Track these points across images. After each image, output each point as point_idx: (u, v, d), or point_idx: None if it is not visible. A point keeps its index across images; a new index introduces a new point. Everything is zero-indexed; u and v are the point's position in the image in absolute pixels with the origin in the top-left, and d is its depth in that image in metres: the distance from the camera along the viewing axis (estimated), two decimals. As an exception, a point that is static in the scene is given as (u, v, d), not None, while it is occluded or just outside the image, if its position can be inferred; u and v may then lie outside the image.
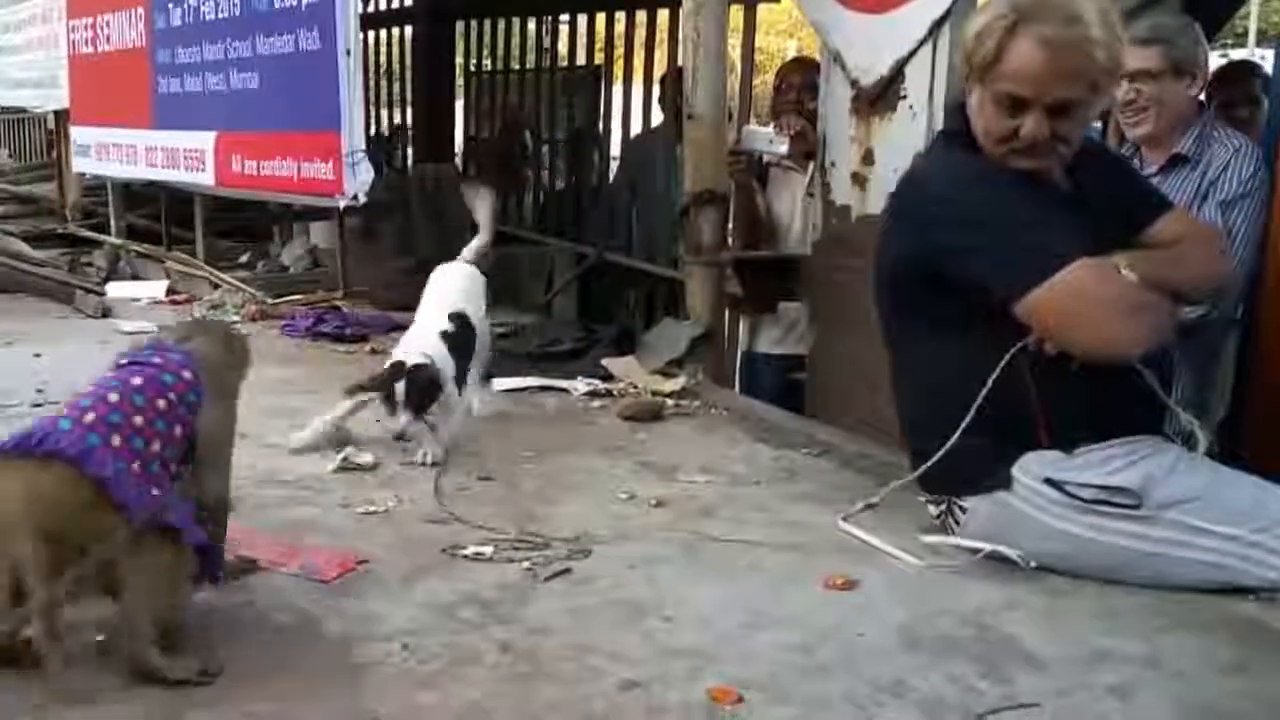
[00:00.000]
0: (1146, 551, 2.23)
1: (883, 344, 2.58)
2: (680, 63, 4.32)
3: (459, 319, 3.31)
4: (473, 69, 8.17)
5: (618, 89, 6.65)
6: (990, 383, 2.28)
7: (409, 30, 8.05)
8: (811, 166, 3.93)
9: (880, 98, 3.32)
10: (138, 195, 7.16)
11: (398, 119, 8.60)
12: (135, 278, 6.43)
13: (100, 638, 1.94)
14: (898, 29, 3.24)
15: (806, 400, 3.79)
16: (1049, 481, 2.29)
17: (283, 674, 1.89)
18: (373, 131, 7.77)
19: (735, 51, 5.48)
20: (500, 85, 7.62)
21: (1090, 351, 2.24)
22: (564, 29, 7.49)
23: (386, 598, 2.19)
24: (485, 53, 7.78)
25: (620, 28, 6.37)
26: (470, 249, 3.70)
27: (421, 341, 3.18)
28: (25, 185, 8.48)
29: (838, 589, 2.26)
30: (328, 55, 4.91)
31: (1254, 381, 3.11)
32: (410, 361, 3.05)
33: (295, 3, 5.12)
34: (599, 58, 7.04)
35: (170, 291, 6.01)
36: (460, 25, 7.81)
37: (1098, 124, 3.76)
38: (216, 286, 5.84)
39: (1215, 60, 3.53)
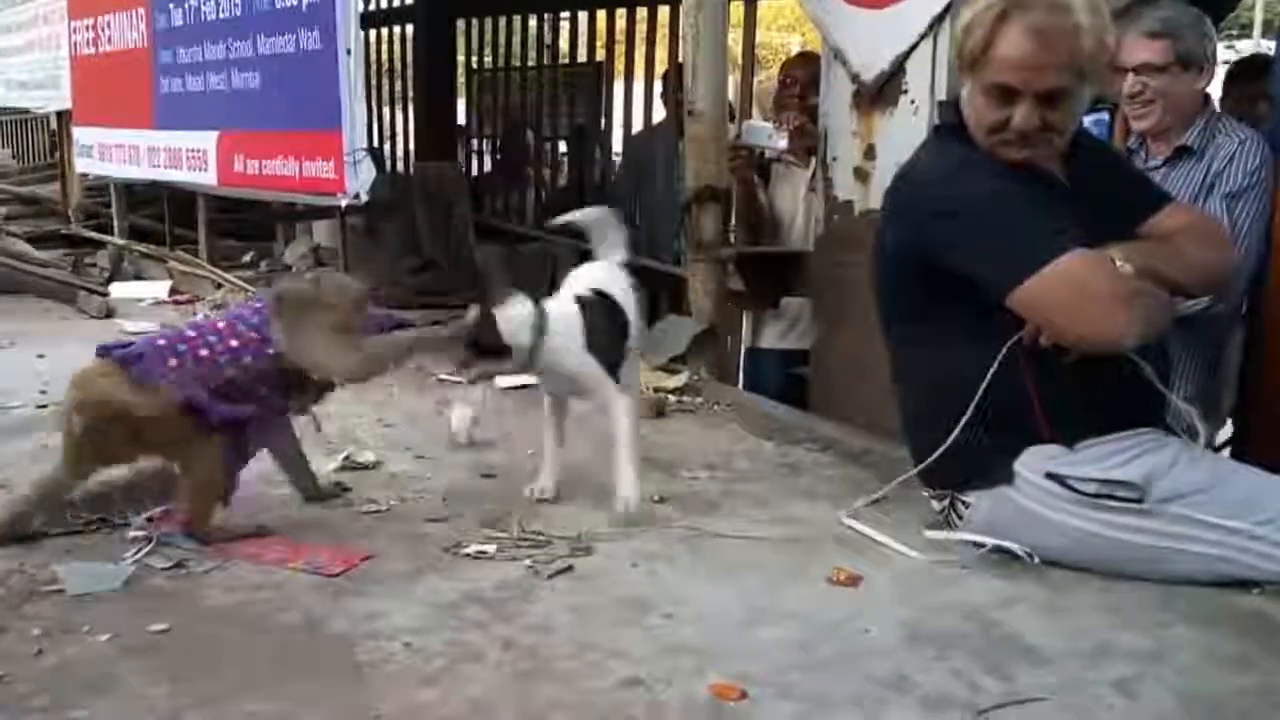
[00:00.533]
0: (1150, 545, 2.23)
1: (884, 338, 2.58)
2: (681, 59, 4.31)
3: (603, 295, 2.79)
4: (474, 67, 8.17)
5: (619, 86, 6.64)
6: (988, 376, 2.28)
7: (409, 29, 8.04)
8: (813, 162, 3.92)
9: (881, 93, 3.32)
10: (140, 196, 7.17)
11: (389, 119, 8.59)
12: (138, 278, 6.43)
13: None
14: (898, 24, 3.24)
15: (810, 396, 3.78)
16: (1051, 476, 2.29)
17: (285, 672, 1.89)
18: (375, 131, 7.76)
19: (737, 47, 5.47)
20: (501, 83, 7.62)
21: (1084, 342, 2.24)
22: (565, 25, 7.49)
23: (389, 596, 2.18)
24: (486, 50, 7.77)
25: (621, 24, 6.37)
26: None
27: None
28: (28, 186, 8.48)
29: (841, 585, 2.26)
30: (328, 54, 4.91)
31: (1257, 376, 3.10)
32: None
33: (296, 2, 5.12)
34: (600, 54, 7.03)
35: (173, 291, 6.01)
36: (461, 23, 7.81)
37: (1105, 116, 3.75)
38: (220, 286, 5.84)
39: (1221, 52, 3.51)
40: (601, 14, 6.64)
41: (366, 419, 3.49)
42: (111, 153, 6.91)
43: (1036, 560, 2.30)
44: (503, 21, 7.50)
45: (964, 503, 2.41)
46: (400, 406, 3.67)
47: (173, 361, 2.36)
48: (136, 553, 2.35)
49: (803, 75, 4.25)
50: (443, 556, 2.38)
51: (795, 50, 9.49)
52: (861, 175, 3.40)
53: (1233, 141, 2.97)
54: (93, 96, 7.17)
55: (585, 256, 5.82)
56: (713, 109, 3.86)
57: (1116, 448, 2.29)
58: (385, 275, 5.67)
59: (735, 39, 5.24)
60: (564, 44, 7.62)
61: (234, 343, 2.41)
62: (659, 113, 5.95)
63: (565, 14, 7.16)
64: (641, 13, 6.24)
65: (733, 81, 5.06)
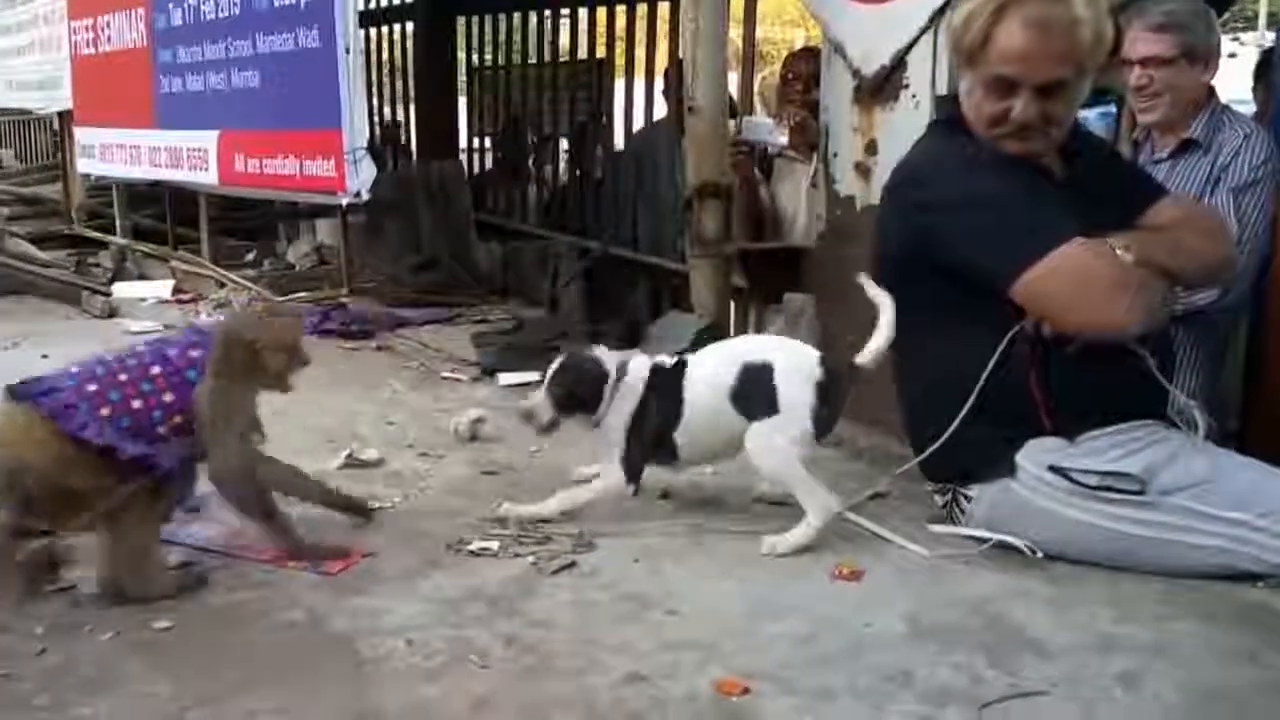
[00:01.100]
0: (1152, 537, 2.23)
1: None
2: (682, 55, 4.30)
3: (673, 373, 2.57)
4: (474, 64, 8.15)
5: (620, 83, 6.63)
6: (989, 367, 2.28)
7: (410, 27, 8.03)
8: (815, 157, 3.91)
9: (882, 88, 3.31)
10: (143, 195, 7.17)
11: (391, 122, 8.58)
12: (141, 278, 6.43)
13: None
14: (899, 18, 3.23)
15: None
16: (1053, 469, 2.29)
17: (287, 669, 1.89)
18: (377, 130, 7.75)
19: (738, 43, 5.46)
20: (502, 80, 7.61)
21: (1086, 329, 2.24)
22: (565, 22, 7.47)
23: (391, 593, 2.19)
24: (487, 48, 7.76)
25: (622, 21, 6.36)
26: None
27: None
28: (31, 187, 8.49)
29: (843, 579, 2.26)
30: (327, 53, 4.91)
31: (1260, 370, 3.10)
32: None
33: (295, 1, 5.12)
34: (601, 51, 7.02)
35: (176, 291, 6.02)
36: (461, 21, 7.79)
37: (1112, 109, 3.75)
38: (223, 285, 5.84)
39: (1225, 45, 3.49)
40: (602, 10, 6.62)
41: (370, 416, 3.49)
42: (113, 153, 6.91)
43: (1039, 554, 2.30)
44: (503, 19, 7.49)
45: (966, 496, 2.41)
46: (404, 404, 3.68)
47: (104, 410, 2.11)
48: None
49: (804, 70, 4.25)
50: (445, 553, 2.38)
51: (798, 46, 9.46)
52: (862, 171, 3.39)
53: (1238, 135, 2.96)
54: (93, 97, 7.17)
55: (584, 253, 5.82)
56: (713, 105, 3.85)
57: (1118, 440, 2.29)
58: (387, 273, 5.68)
59: (736, 35, 5.23)
60: (565, 41, 7.60)
61: (168, 396, 2.18)
62: (660, 109, 5.94)
63: (565, 11, 7.14)
64: (642, 9, 6.22)
65: (734, 77, 5.04)
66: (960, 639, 2.00)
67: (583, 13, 6.98)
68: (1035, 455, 2.32)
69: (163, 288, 6.06)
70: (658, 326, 4.36)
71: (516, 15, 7.41)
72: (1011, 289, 2.23)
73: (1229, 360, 3.15)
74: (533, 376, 3.91)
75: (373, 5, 8.44)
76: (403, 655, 1.94)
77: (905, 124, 3.14)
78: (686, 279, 4.22)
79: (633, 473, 2.51)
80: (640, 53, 6.18)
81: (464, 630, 2.03)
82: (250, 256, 6.66)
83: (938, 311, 2.40)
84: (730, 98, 4.33)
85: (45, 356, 4.36)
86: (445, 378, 4.06)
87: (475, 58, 8.11)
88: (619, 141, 6.60)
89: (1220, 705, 1.81)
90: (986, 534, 2.35)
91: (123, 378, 2.17)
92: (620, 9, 6.33)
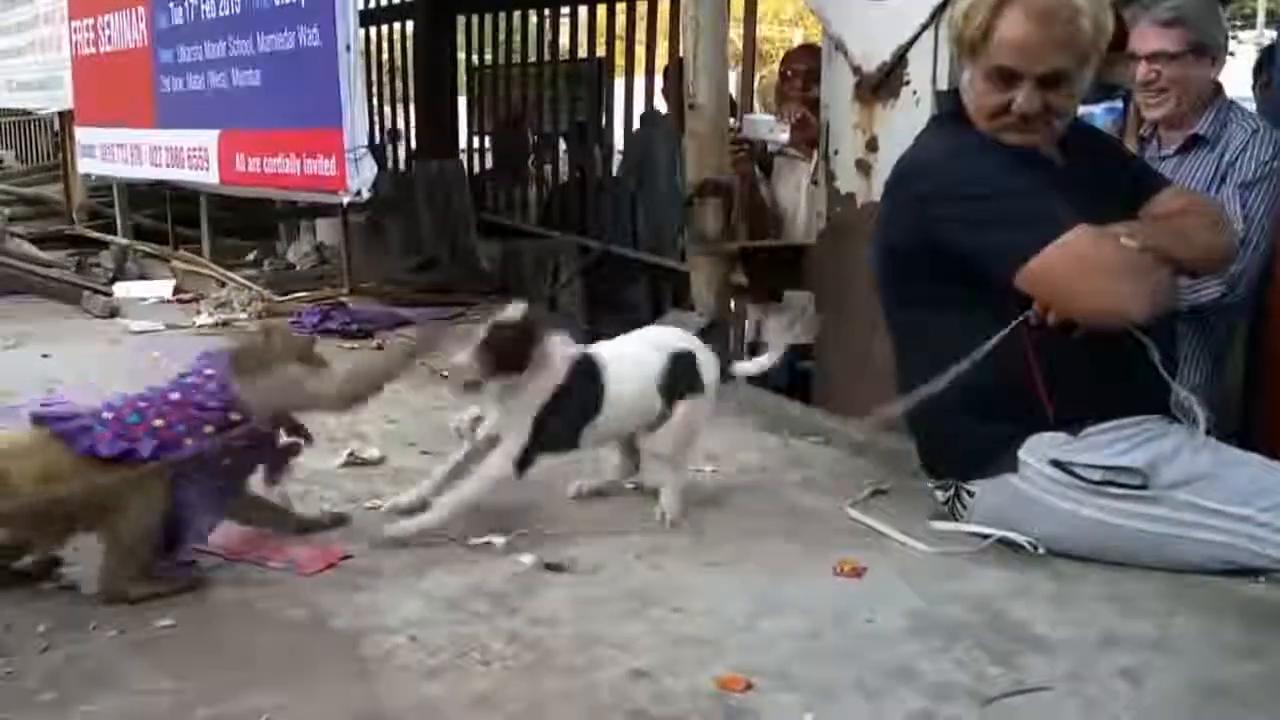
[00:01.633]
0: (1155, 532, 2.23)
1: (886, 328, 2.58)
2: (682, 53, 4.30)
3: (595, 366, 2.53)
4: (474, 64, 8.15)
5: (620, 81, 6.63)
6: (988, 347, 2.27)
7: (410, 25, 8.03)
8: (815, 154, 3.92)
9: (883, 84, 3.31)
10: (144, 195, 7.18)
11: (391, 122, 8.58)
12: (142, 277, 6.43)
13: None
14: (900, 14, 3.23)
15: (814, 388, 3.78)
16: (1055, 463, 2.29)
17: (291, 667, 1.89)
18: (377, 130, 7.75)
19: (738, 41, 5.47)
20: (502, 79, 7.61)
21: (1090, 317, 2.24)
22: (565, 21, 7.47)
23: (394, 590, 2.19)
24: (486, 47, 7.76)
25: (622, 19, 6.36)
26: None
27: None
28: (32, 187, 8.49)
29: (845, 576, 2.26)
30: (328, 52, 4.91)
31: (1262, 365, 3.10)
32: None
33: (295, 0, 5.12)
34: (600, 50, 7.03)
35: (177, 290, 6.02)
36: (461, 20, 7.80)
37: (1119, 104, 3.74)
38: (223, 285, 5.84)
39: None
40: (602, 9, 6.62)
41: (371, 415, 3.48)
42: (114, 152, 6.91)
43: (1040, 550, 2.30)
44: (503, 17, 7.49)
45: (968, 492, 2.40)
46: (405, 403, 3.67)
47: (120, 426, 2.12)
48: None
49: (804, 68, 4.25)
50: (447, 551, 2.38)
51: (796, 44, 9.47)
52: (863, 168, 3.39)
53: (1245, 131, 2.96)
54: (94, 97, 7.17)
55: (584, 252, 5.81)
56: (714, 103, 3.86)
57: (1120, 434, 2.29)
58: (387, 272, 5.68)
59: (736, 33, 5.23)
60: (564, 39, 7.61)
61: (193, 411, 2.17)
62: (660, 108, 5.95)
63: (565, 9, 7.14)
64: (642, 8, 6.23)
65: (734, 76, 5.05)
66: (962, 635, 2.00)
67: (583, 11, 6.98)
68: (1037, 450, 2.32)
69: (164, 287, 6.07)
70: (658, 324, 4.36)
71: (516, 14, 7.41)
72: (1016, 278, 2.23)
73: (1230, 359, 3.15)
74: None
75: (372, 4, 8.45)
76: (405, 652, 1.94)
77: (906, 120, 3.14)
78: (686, 278, 4.22)
79: (526, 463, 2.43)
80: (640, 51, 6.18)
81: (466, 627, 2.03)
82: (251, 256, 6.66)
83: (939, 306, 2.40)
84: (730, 96, 4.33)
85: (46, 356, 4.38)
86: (445, 376, 4.05)
87: (475, 57, 8.11)
88: (619, 140, 6.61)
89: (1223, 701, 1.81)
90: (989, 530, 2.35)
91: (142, 404, 2.17)
92: (620, 7, 6.33)
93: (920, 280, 2.42)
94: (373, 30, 8.32)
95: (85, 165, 7.36)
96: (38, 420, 2.12)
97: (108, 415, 2.13)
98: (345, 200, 5.03)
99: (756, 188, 4.31)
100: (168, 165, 6.32)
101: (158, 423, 2.13)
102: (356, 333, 4.79)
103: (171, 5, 6.12)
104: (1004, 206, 2.28)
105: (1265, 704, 1.80)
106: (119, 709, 1.76)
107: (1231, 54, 4.21)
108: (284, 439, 2.36)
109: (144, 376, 4.00)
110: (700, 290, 4.02)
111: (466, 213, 6.19)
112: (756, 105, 5.30)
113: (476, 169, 7.69)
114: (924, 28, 3.16)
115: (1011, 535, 2.32)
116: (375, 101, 8.13)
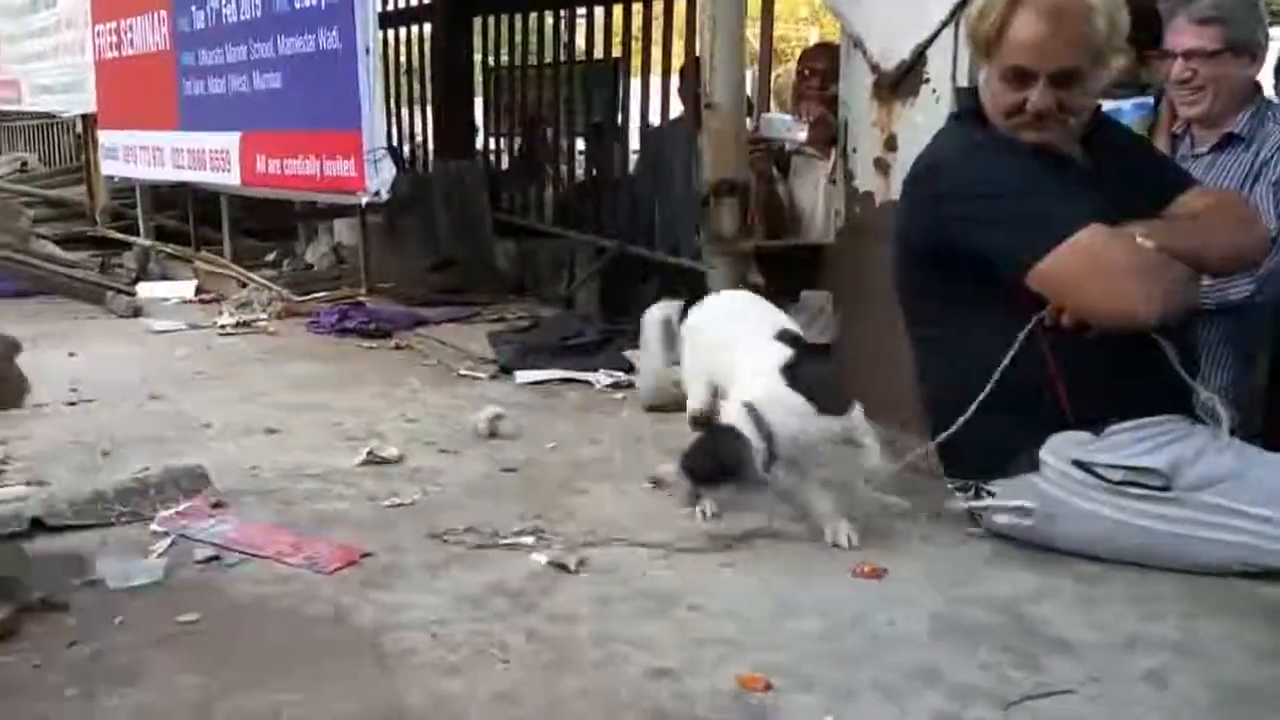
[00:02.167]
0: (1177, 533, 2.21)
1: (905, 327, 2.57)
2: (698, 52, 4.30)
3: (796, 341, 2.50)
4: (490, 65, 8.16)
5: (636, 82, 6.62)
6: (1010, 352, 2.27)
7: (427, 28, 8.05)
8: (833, 153, 3.91)
9: (902, 82, 3.30)
10: (165, 197, 7.22)
11: (409, 122, 8.60)
12: (164, 278, 6.48)
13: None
14: (919, 12, 3.21)
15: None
16: (1077, 463, 2.28)
17: (313, 662, 1.90)
18: (394, 132, 7.77)
19: (755, 40, 5.46)
20: (519, 80, 7.61)
21: (1103, 317, 2.23)
22: (581, 22, 7.47)
23: (414, 588, 2.19)
24: (503, 48, 7.77)
25: (638, 19, 6.35)
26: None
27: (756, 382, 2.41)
28: (55, 189, 8.53)
29: (865, 577, 2.25)
30: (347, 54, 4.93)
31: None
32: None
33: (315, 3, 5.14)
34: (617, 50, 7.02)
35: (199, 291, 6.05)
36: (478, 22, 7.80)
37: (1149, 100, 3.71)
38: (244, 285, 5.87)
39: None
40: (618, 9, 6.62)
41: (390, 414, 3.50)
42: (136, 155, 6.95)
43: (1030, 522, 2.32)
44: (519, 18, 7.49)
45: (989, 493, 2.39)
46: (423, 402, 3.69)
47: None
48: (170, 546, 2.37)
49: (822, 66, 4.24)
50: (465, 549, 2.38)
51: (811, 43, 9.45)
52: (882, 166, 3.38)
53: None
54: (117, 100, 7.21)
55: (600, 251, 5.79)
56: (730, 102, 3.85)
57: (1142, 434, 2.27)
58: (405, 272, 5.69)
59: (753, 32, 5.22)
60: (580, 40, 7.60)
61: None
62: (675, 107, 5.94)
63: (582, 10, 7.13)
64: (658, 8, 6.22)
65: (750, 75, 5.04)
66: (985, 637, 1.99)
67: (599, 11, 6.97)
68: (1058, 449, 2.31)
69: (186, 288, 6.11)
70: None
71: (533, 15, 7.42)
72: (1027, 276, 2.23)
73: (1260, 359, 3.12)
74: (551, 374, 3.95)
75: (389, 7, 8.46)
76: (425, 649, 1.94)
77: (926, 118, 3.13)
78: (703, 277, 4.21)
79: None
80: (656, 51, 6.17)
81: (486, 625, 2.03)
82: (271, 257, 6.69)
83: (957, 305, 2.40)
84: (747, 95, 4.32)
85: (72, 355, 4.42)
86: (463, 375, 4.07)
87: (490, 58, 8.12)
88: (635, 140, 6.60)
89: (1247, 703, 1.79)
90: (1001, 503, 2.36)
91: None
92: (636, 7, 6.33)
93: (938, 280, 2.42)
94: (390, 32, 8.33)
95: (108, 167, 7.41)
96: None
97: None
98: (364, 201, 5.05)
99: (774, 187, 4.29)
100: (190, 167, 6.35)
101: None
102: (375, 332, 4.81)
103: (193, 9, 6.15)
104: (1016, 205, 2.28)
105: (1290, 706, 1.79)
106: (143, 703, 1.77)
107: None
108: None
109: (164, 374, 4.06)
110: (716, 289, 4.01)
111: (483, 212, 6.20)
112: (773, 104, 5.29)
113: (492, 168, 7.69)
114: (943, 25, 3.14)
115: (1017, 503, 2.33)
116: (392, 103, 8.14)
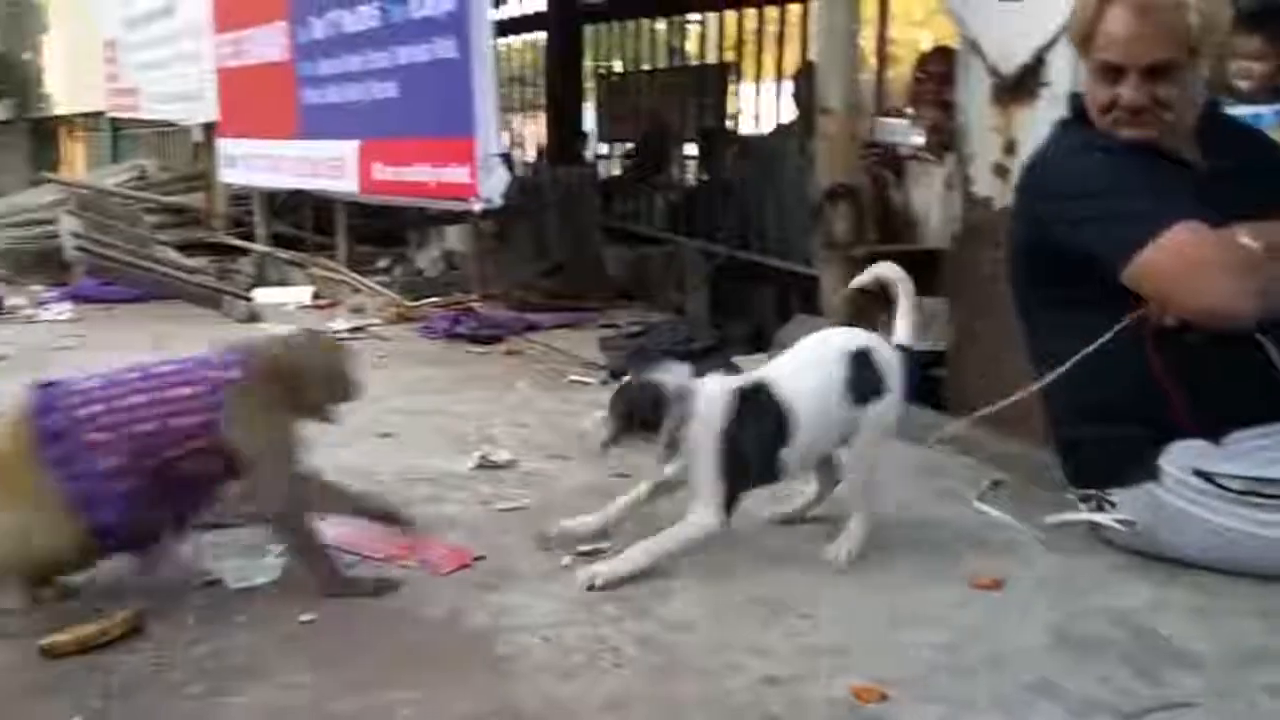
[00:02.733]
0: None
1: (1020, 330, 2.54)
2: (811, 57, 4.27)
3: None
4: (602, 72, 8.21)
5: (748, 87, 6.62)
6: (1102, 338, 2.23)
7: (539, 35, 8.14)
8: (949, 158, 3.85)
9: (1021, 86, 3.23)
10: (282, 204, 7.39)
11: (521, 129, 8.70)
12: (281, 284, 6.64)
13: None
14: (1038, 14, 3.15)
15: (946, 396, 3.71)
16: (1198, 472, 2.22)
17: (428, 663, 1.93)
18: (505, 138, 7.87)
19: (868, 44, 5.42)
20: (630, 87, 7.65)
21: (1195, 314, 2.18)
22: (693, 28, 7.49)
23: (527, 592, 2.21)
24: (614, 55, 7.82)
25: (751, 24, 6.35)
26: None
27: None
28: (175, 196, 8.80)
29: (983, 588, 2.21)
30: (464, 62, 5.01)
31: None
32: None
33: (432, 13, 5.23)
34: (729, 55, 7.01)
35: (315, 296, 6.19)
36: (589, 30, 7.87)
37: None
38: (358, 291, 5.99)
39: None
40: (731, 15, 6.62)
41: (501, 419, 3.54)
42: (255, 163, 7.14)
43: (1137, 527, 2.28)
44: (630, 25, 7.54)
45: (1110, 503, 2.34)
46: (534, 407, 3.72)
47: (97, 435, 2.04)
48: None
49: (938, 70, 4.18)
50: (578, 554, 2.39)
51: (924, 47, 9.32)
52: (1001, 171, 3.31)
53: None
54: (238, 109, 7.41)
55: (710, 257, 5.78)
56: (844, 106, 3.82)
57: (1266, 443, 2.21)
58: (515, 278, 5.75)
59: (867, 35, 5.18)
60: (693, 46, 7.62)
61: (191, 419, 2.09)
62: (788, 112, 5.92)
63: (696, 16, 7.15)
64: (771, 12, 6.20)
65: (865, 78, 5.00)
66: (1105, 650, 1.95)
67: (711, 17, 6.98)
68: (1179, 458, 2.25)
69: (302, 293, 6.26)
70: (786, 330, 4.33)
71: (645, 21, 7.46)
72: (1124, 274, 2.19)
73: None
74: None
75: (503, 16, 8.58)
76: (539, 653, 1.96)
77: (1046, 122, 3.05)
78: (815, 282, 4.18)
79: (727, 508, 2.29)
80: (769, 56, 6.16)
81: (598, 629, 2.04)
82: (384, 263, 6.82)
83: (1067, 304, 2.36)
84: (862, 99, 4.28)
85: (192, 357, 4.54)
86: (573, 381, 4.09)
87: (601, 65, 8.18)
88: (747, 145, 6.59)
89: (1382, 724, 1.73)
90: (1101, 518, 2.34)
91: (137, 399, 2.08)
92: (750, 12, 6.32)
93: (1048, 281, 2.41)
94: (502, 40, 8.44)
95: (228, 175, 7.61)
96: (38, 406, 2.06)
97: (95, 410, 2.06)
98: (478, 208, 5.12)
99: (888, 191, 4.25)
100: (309, 175, 6.51)
101: (146, 427, 2.06)
102: (486, 337, 4.87)
103: (312, 20, 6.30)
104: (1110, 203, 2.25)
105: None
106: (263, 701, 1.81)
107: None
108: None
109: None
110: (829, 295, 3.98)
111: (594, 218, 6.24)
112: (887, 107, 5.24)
113: (603, 174, 7.74)
114: (1063, 28, 3.07)
115: (1120, 518, 2.32)
116: (504, 111, 8.25)
